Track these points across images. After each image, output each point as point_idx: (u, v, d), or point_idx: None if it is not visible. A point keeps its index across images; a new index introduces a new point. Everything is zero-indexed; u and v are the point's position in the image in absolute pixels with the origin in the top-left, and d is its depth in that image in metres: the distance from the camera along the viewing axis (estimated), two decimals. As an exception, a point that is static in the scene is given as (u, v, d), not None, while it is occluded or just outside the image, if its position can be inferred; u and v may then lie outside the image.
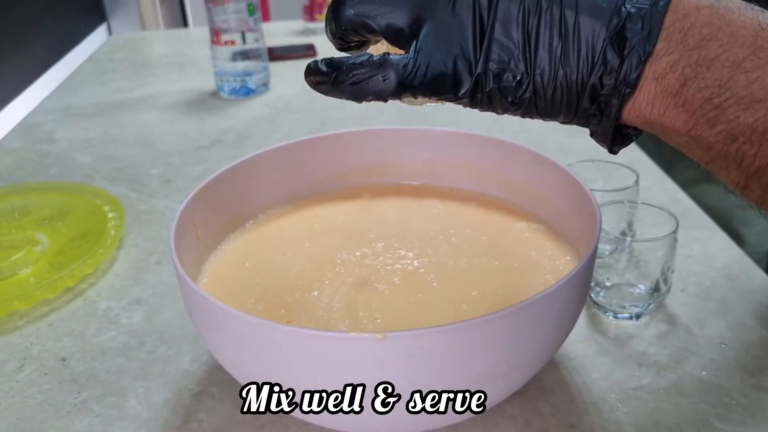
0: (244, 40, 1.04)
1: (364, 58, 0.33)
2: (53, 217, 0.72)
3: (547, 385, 0.48)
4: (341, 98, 0.34)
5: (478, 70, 0.31)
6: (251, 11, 1.03)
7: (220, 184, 0.52)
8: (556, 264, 0.49)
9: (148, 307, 0.59)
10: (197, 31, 1.56)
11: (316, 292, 0.48)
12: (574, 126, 0.34)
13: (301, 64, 1.16)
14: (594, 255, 0.41)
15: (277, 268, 0.51)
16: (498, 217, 0.56)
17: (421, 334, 0.35)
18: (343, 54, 0.36)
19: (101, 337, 0.56)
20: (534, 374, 0.43)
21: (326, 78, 0.33)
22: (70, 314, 0.59)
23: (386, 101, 0.33)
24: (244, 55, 1.06)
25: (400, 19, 0.33)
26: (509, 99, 0.32)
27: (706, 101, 0.29)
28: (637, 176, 0.60)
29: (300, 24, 1.41)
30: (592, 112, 0.32)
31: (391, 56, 0.33)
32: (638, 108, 0.31)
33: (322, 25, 1.37)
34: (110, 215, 0.71)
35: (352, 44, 0.36)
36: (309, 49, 1.27)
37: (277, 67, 1.15)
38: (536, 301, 0.36)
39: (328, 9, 0.35)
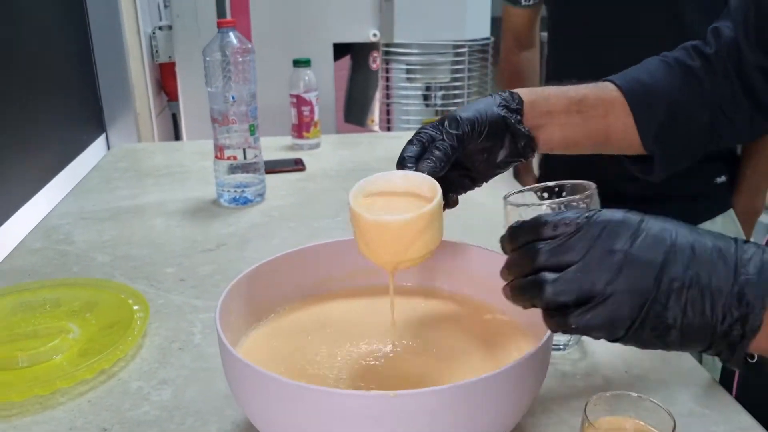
0: (245, 156, 1.17)
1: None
2: (82, 309, 0.82)
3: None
4: None
5: (637, 324, 0.44)
6: (252, 131, 1.17)
7: (248, 281, 0.64)
8: (519, 345, 0.61)
9: (175, 387, 0.69)
10: (191, 144, 1.71)
11: (331, 368, 0.59)
12: None
13: (291, 177, 1.31)
14: (551, 337, 0.53)
15: (299, 349, 0.61)
16: (471, 311, 0.68)
17: (423, 393, 0.46)
18: None
19: (136, 411, 0.65)
20: (511, 428, 0.54)
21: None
22: (107, 392, 0.68)
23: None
24: (243, 168, 1.19)
25: (593, 292, 0.45)
26: (661, 341, 0.45)
27: None
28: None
29: (288, 140, 1.56)
30: (722, 348, 0.45)
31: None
32: (758, 343, 0.44)
33: (309, 141, 1.53)
34: (135, 308, 0.81)
35: None
36: (298, 164, 1.42)
37: (269, 179, 1.28)
38: (516, 365, 0.48)
39: (524, 287, 0.49)
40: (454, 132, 0.64)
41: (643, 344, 0.46)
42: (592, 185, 0.63)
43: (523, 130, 0.68)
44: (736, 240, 0.45)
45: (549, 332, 0.53)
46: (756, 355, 0.47)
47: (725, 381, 0.72)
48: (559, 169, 1.31)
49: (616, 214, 0.46)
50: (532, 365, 0.51)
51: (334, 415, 0.47)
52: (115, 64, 1.83)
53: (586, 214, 0.46)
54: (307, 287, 0.70)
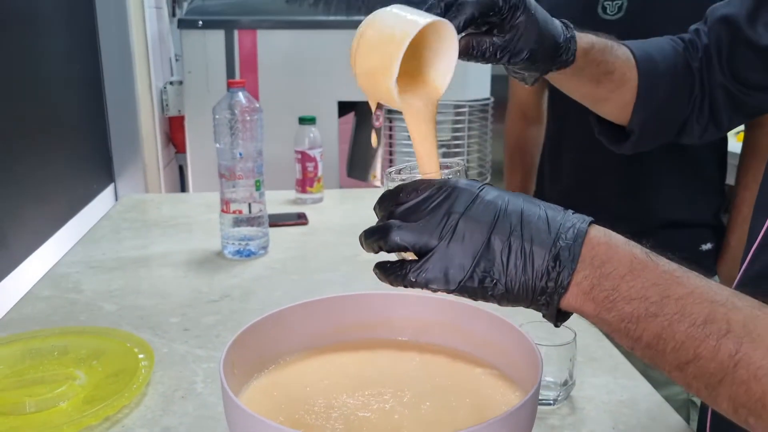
0: (250, 210, 1.22)
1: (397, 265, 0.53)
2: (89, 356, 0.85)
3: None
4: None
5: (467, 276, 0.50)
6: (258, 186, 1.22)
7: (252, 333, 0.67)
8: (507, 399, 0.64)
9: (177, 434, 0.71)
10: (197, 196, 1.76)
11: (328, 418, 0.61)
12: None
13: (294, 230, 1.34)
14: (537, 392, 0.56)
15: (299, 400, 0.64)
16: (462, 366, 0.70)
17: (414, 443, 0.48)
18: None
19: (139, 458, 0.68)
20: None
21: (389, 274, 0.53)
22: (111, 439, 0.71)
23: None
24: (248, 221, 1.23)
25: (429, 245, 0.51)
26: (489, 293, 0.51)
27: (605, 298, 0.48)
28: (575, 334, 0.76)
29: (292, 194, 1.61)
30: (542, 302, 0.50)
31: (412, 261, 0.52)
32: (568, 300, 0.50)
33: (313, 195, 1.57)
34: (140, 356, 0.84)
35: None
36: (301, 218, 1.46)
37: (272, 232, 1.32)
38: (501, 419, 0.50)
39: (374, 230, 0.54)
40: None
41: (473, 296, 0.51)
42: (461, 163, 0.66)
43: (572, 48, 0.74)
44: (565, 210, 0.52)
45: (536, 386, 0.55)
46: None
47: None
48: (554, 190, 1.35)
49: (460, 182, 0.53)
50: (517, 419, 0.53)
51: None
52: (127, 116, 1.89)
53: (437, 183, 0.53)
54: (308, 340, 0.72)
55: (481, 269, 0.50)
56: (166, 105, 2.08)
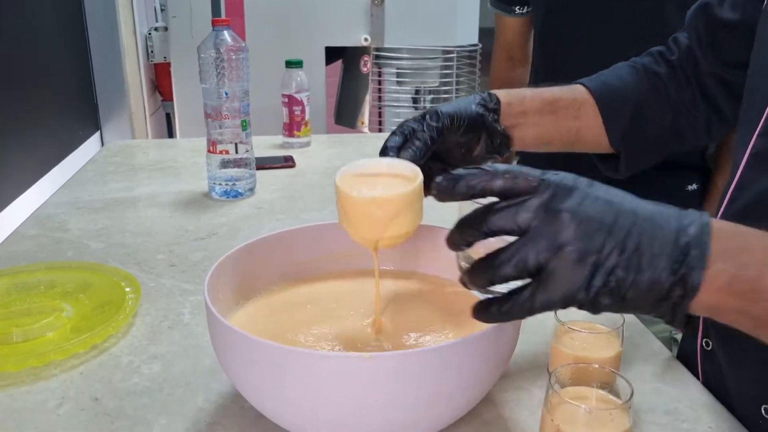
0: (236, 151, 1.21)
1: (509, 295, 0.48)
2: (76, 290, 0.85)
3: (488, 418, 0.62)
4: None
5: (583, 286, 0.45)
6: (244, 127, 1.21)
7: (235, 259, 0.67)
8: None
9: (164, 361, 0.72)
10: (184, 141, 1.74)
11: (312, 341, 0.62)
12: None
13: (281, 173, 1.34)
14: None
15: (283, 324, 0.65)
16: (442, 288, 0.71)
17: (398, 354, 0.49)
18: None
19: (126, 383, 0.68)
20: (478, 398, 0.57)
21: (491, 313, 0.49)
22: (98, 366, 0.71)
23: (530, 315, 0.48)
24: (235, 162, 1.22)
25: (546, 258, 0.45)
26: (603, 303, 0.46)
27: (750, 289, 0.45)
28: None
29: (279, 139, 1.60)
30: (665, 308, 0.46)
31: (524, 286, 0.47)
32: (701, 300, 0.45)
33: (300, 140, 1.56)
34: (127, 289, 0.84)
35: None
36: (288, 161, 1.45)
37: (259, 175, 1.31)
38: (488, 331, 0.51)
39: (478, 265, 0.49)
40: (434, 124, 0.67)
41: (586, 308, 0.47)
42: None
43: (498, 128, 0.72)
44: (677, 208, 0.48)
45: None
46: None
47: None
48: (535, 167, 1.34)
49: (564, 177, 0.47)
50: (504, 332, 0.54)
51: (312, 375, 0.50)
52: (111, 63, 1.86)
53: (534, 178, 0.47)
54: (292, 268, 0.73)
55: (597, 280, 0.45)
56: (152, 51, 2.05)
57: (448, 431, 0.60)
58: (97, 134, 1.83)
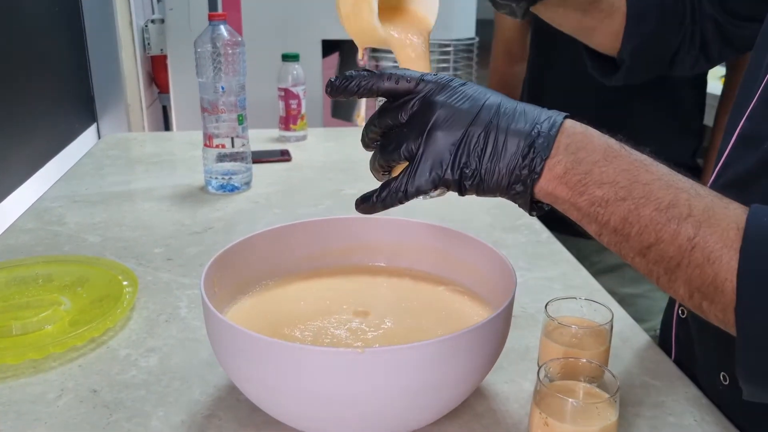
0: (233, 145, 1.22)
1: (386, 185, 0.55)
2: (74, 283, 0.86)
3: (479, 411, 0.64)
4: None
5: (446, 168, 0.52)
6: (241, 121, 1.22)
7: (231, 254, 0.68)
8: (479, 312, 0.66)
9: (162, 354, 0.73)
10: (180, 134, 1.75)
11: (306, 333, 0.63)
12: (508, 223, 0.53)
13: (277, 167, 1.35)
14: (511, 305, 0.58)
15: (277, 319, 0.66)
16: (434, 287, 0.72)
17: (390, 349, 0.50)
18: None
19: (124, 375, 0.69)
20: (469, 392, 0.58)
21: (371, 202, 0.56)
22: (96, 359, 0.72)
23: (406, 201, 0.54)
24: (231, 156, 1.23)
25: (416, 145, 0.53)
26: (467, 184, 0.52)
27: (578, 182, 0.50)
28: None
29: (276, 132, 1.60)
30: (518, 190, 0.52)
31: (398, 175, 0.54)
32: (541, 186, 0.52)
33: (296, 133, 1.57)
34: (125, 283, 0.85)
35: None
36: (284, 154, 1.46)
37: (255, 169, 1.32)
38: (480, 326, 0.52)
39: (376, 153, 0.56)
40: None
41: (452, 188, 0.53)
42: None
43: None
44: (542, 107, 0.54)
45: (510, 298, 0.57)
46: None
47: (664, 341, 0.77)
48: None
49: (440, 77, 0.54)
50: (494, 327, 0.55)
51: (306, 369, 0.51)
52: (108, 55, 1.86)
53: (416, 79, 0.53)
54: (287, 264, 0.74)
55: (461, 161, 0.52)
56: (148, 44, 2.05)
57: (440, 423, 0.61)
58: (94, 126, 1.83)
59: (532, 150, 0.51)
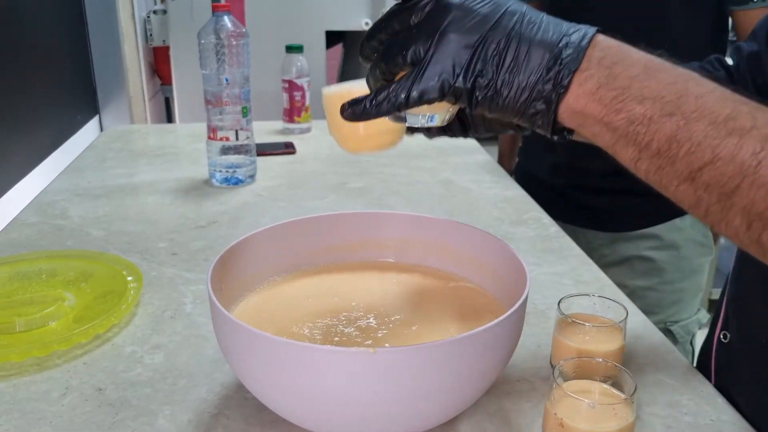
0: (237, 137, 1.20)
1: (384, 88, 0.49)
2: (78, 279, 0.85)
3: (491, 411, 0.62)
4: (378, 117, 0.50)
5: (459, 75, 0.47)
6: (245, 113, 1.20)
7: (238, 250, 0.67)
8: (492, 310, 0.65)
9: (167, 351, 0.72)
10: (183, 126, 1.73)
11: (315, 335, 0.62)
12: (515, 217, 0.50)
13: (282, 159, 1.34)
14: (525, 302, 0.56)
15: (286, 317, 0.65)
16: (445, 283, 0.71)
17: (402, 349, 0.49)
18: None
19: (129, 373, 0.68)
20: (482, 392, 0.57)
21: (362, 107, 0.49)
22: (101, 356, 0.71)
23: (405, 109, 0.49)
24: (235, 149, 1.22)
25: (425, 47, 0.47)
26: (478, 96, 0.47)
27: (614, 98, 0.45)
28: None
29: (280, 124, 1.59)
30: (538, 108, 0.47)
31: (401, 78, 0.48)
32: (568, 104, 0.47)
33: (300, 125, 1.55)
34: (129, 278, 0.84)
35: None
36: (288, 147, 1.44)
37: (260, 161, 1.31)
38: (495, 324, 0.51)
39: (379, 58, 0.50)
40: None
41: (462, 100, 0.48)
42: None
43: None
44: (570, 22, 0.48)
45: (524, 296, 0.56)
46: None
47: (704, 365, 0.76)
48: (538, 157, 1.34)
49: None
50: (508, 326, 0.54)
51: (316, 370, 0.50)
52: (110, 47, 1.85)
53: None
54: (294, 260, 0.73)
55: (475, 68, 0.46)
56: (150, 35, 2.03)
57: (451, 423, 0.60)
58: (96, 119, 1.82)
59: (558, 62, 0.45)
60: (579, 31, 0.47)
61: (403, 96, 0.48)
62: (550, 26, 0.47)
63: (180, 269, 0.90)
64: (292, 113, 1.55)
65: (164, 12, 2.01)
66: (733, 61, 0.80)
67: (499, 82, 0.46)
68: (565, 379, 0.56)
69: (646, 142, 0.44)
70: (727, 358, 0.70)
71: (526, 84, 0.46)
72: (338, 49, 2.13)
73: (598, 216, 1.27)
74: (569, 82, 0.45)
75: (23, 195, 1.20)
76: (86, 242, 0.98)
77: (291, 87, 1.53)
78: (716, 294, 2.71)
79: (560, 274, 0.90)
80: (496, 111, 0.48)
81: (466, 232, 0.71)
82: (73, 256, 0.91)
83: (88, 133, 1.69)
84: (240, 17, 1.89)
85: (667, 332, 1.23)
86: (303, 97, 1.54)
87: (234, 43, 1.16)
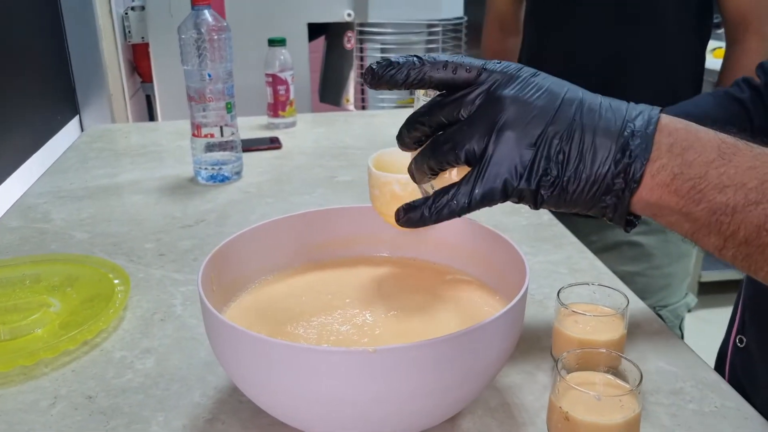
0: (222, 134, 1.18)
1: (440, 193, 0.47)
2: (63, 283, 0.82)
3: (493, 406, 0.61)
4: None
5: (524, 176, 0.44)
6: (229, 109, 1.18)
7: (228, 250, 0.65)
8: (488, 302, 0.64)
9: (158, 355, 0.70)
10: (166, 124, 1.70)
11: (310, 334, 0.60)
12: (507, 206, 0.48)
13: (267, 155, 1.32)
14: (525, 296, 0.55)
15: (279, 317, 0.63)
16: (442, 278, 0.70)
17: (402, 348, 0.47)
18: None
19: (120, 379, 0.66)
20: (484, 387, 0.56)
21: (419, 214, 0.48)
22: (90, 362, 0.69)
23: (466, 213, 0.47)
24: (220, 146, 1.19)
25: (480, 144, 0.45)
26: (544, 194, 0.45)
27: (692, 188, 0.43)
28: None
29: (264, 119, 1.57)
30: (608, 203, 0.45)
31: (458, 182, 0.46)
32: (641, 196, 0.44)
33: (285, 120, 1.53)
34: (116, 281, 0.81)
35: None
36: (274, 142, 1.42)
37: (246, 158, 1.28)
38: (497, 318, 0.50)
39: (425, 151, 0.48)
40: None
41: (526, 201, 0.46)
42: None
43: None
44: (628, 101, 0.46)
45: (524, 288, 0.54)
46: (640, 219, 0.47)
47: (719, 369, 0.75)
48: None
49: (508, 65, 0.46)
50: (510, 319, 0.53)
51: (314, 371, 0.48)
52: (88, 45, 1.81)
53: (477, 68, 0.46)
54: (286, 258, 0.71)
55: (539, 167, 0.44)
56: (129, 32, 1.99)
57: (453, 420, 0.59)
58: (76, 119, 1.78)
59: (628, 154, 0.43)
60: (642, 115, 0.44)
61: (465, 201, 0.45)
62: (611, 111, 0.45)
63: (168, 270, 0.88)
64: (276, 108, 1.53)
65: (142, 8, 1.98)
66: (760, 79, 0.78)
67: (565, 180, 0.44)
68: (569, 371, 0.55)
69: (731, 232, 0.43)
70: (742, 362, 0.68)
71: (594, 179, 0.44)
72: (321, 41, 2.10)
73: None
74: (641, 176, 0.43)
75: (3, 199, 1.18)
76: (70, 245, 0.95)
77: (275, 81, 1.51)
78: (706, 277, 2.72)
79: (555, 263, 0.89)
80: (563, 207, 0.46)
81: (460, 224, 0.69)
82: (57, 260, 0.88)
83: (68, 133, 1.65)
84: (220, 11, 1.86)
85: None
86: (287, 91, 1.51)
87: (215, 37, 1.13)
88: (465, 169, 0.47)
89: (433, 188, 0.50)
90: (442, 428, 0.58)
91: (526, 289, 0.55)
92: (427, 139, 0.49)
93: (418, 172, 0.49)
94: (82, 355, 0.70)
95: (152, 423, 0.60)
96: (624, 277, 1.19)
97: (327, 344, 0.58)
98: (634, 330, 0.73)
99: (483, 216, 1.00)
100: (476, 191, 0.45)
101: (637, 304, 0.78)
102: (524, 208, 1.05)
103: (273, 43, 1.51)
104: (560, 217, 1.04)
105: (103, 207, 1.10)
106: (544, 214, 1.05)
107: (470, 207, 0.46)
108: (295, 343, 0.49)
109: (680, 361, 0.68)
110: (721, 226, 0.43)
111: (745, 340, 0.68)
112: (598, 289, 0.66)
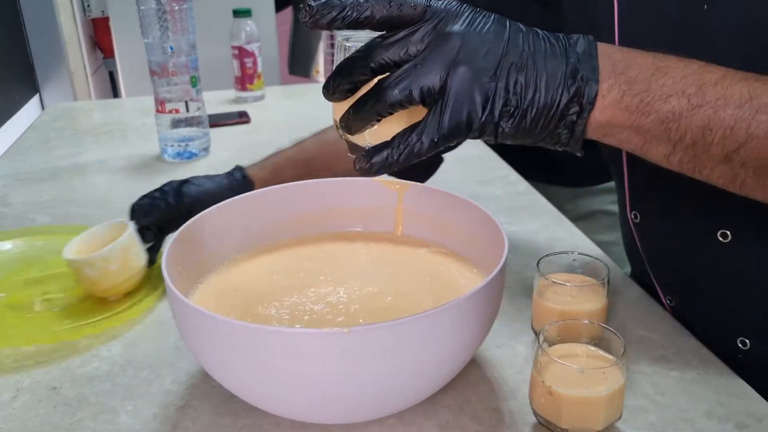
0: (187, 109, 1.14)
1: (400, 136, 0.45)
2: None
3: (473, 380, 0.60)
4: None
5: (488, 108, 0.44)
6: (194, 83, 1.14)
7: (194, 229, 0.62)
8: (466, 275, 0.62)
9: (125, 342, 0.67)
10: (130, 101, 1.65)
11: (282, 314, 0.58)
12: (481, 176, 0.47)
13: (236, 129, 1.28)
14: (504, 269, 0.53)
15: (249, 297, 0.60)
16: (416, 250, 0.68)
17: (376, 327, 0.45)
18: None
19: (86, 368, 0.64)
20: (464, 363, 0.54)
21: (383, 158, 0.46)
22: (52, 351, 0.66)
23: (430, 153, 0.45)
24: (186, 122, 1.16)
25: (439, 82, 0.44)
26: (505, 126, 0.45)
27: (640, 102, 0.45)
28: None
29: (232, 93, 1.52)
30: (562, 129, 0.46)
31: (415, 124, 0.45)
32: (594, 117, 0.46)
33: (253, 93, 1.49)
34: (80, 265, 0.78)
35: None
36: (242, 116, 1.38)
37: (213, 133, 1.25)
38: (475, 292, 0.48)
39: (363, 99, 0.45)
40: None
41: (488, 135, 0.46)
42: None
43: None
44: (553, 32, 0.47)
45: (503, 260, 0.53)
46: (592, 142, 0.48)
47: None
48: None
49: (450, 3, 0.45)
50: (490, 292, 0.51)
51: (288, 354, 0.46)
52: (45, 20, 1.75)
53: (419, 9, 0.44)
54: (253, 236, 0.68)
55: (499, 98, 0.44)
56: (88, 6, 1.93)
57: (433, 397, 0.57)
58: (36, 97, 1.72)
59: (579, 77, 0.44)
60: (581, 41, 0.46)
61: (433, 138, 0.44)
62: (553, 38, 0.46)
63: (134, 252, 0.84)
64: (244, 81, 1.49)
65: (101, -20, 1.91)
66: None
67: (524, 109, 0.45)
68: (550, 344, 0.53)
69: (679, 137, 0.45)
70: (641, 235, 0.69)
71: (550, 105, 0.45)
72: (288, 12, 2.05)
73: (559, 171, 1.24)
74: (595, 96, 0.45)
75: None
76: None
77: (241, 53, 1.46)
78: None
79: (533, 231, 0.87)
80: (521, 138, 0.47)
81: (434, 195, 0.67)
82: (14, 237, 0.85)
83: (28, 112, 1.60)
84: (182, -18, 1.80)
85: None
86: (255, 63, 1.47)
87: (176, 8, 1.09)
88: (402, 116, 0.46)
89: (366, 140, 0.48)
90: (421, 405, 0.56)
91: (505, 261, 0.53)
92: (359, 87, 0.46)
93: (359, 121, 0.46)
94: (44, 344, 0.67)
95: (121, 412, 0.57)
96: (600, 246, 1.19)
97: (301, 324, 0.56)
98: (614, 298, 0.71)
99: (457, 187, 0.98)
100: (444, 126, 0.44)
101: (617, 272, 0.77)
102: (498, 177, 1.04)
103: (238, 14, 1.46)
104: (533, 187, 1.02)
105: (66, 188, 1.05)
106: (520, 183, 1.03)
107: (437, 144, 0.45)
108: (264, 325, 0.46)
109: (661, 328, 0.67)
110: (669, 133, 0.45)
111: (638, 215, 0.69)
112: (578, 257, 0.65)
